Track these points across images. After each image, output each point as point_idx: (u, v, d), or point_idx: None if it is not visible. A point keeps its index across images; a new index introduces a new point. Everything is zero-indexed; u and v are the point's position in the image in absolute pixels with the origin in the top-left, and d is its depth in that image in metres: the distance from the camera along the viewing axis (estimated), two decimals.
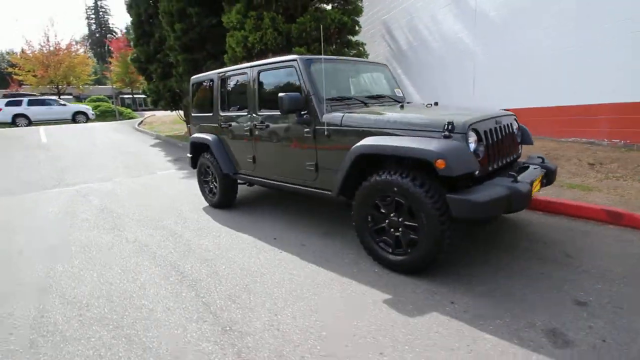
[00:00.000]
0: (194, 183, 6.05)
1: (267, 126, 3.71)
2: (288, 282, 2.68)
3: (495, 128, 2.77)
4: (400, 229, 2.61)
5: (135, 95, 39.54)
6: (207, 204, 4.89)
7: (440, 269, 2.68)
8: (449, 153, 2.26)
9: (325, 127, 3.09)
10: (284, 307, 2.35)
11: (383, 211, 2.71)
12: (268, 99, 3.74)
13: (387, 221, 2.69)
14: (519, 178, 2.57)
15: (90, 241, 3.75)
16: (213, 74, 4.55)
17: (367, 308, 2.28)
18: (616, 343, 1.84)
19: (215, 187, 4.69)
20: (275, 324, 2.17)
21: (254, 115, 3.87)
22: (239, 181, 4.50)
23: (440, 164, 2.25)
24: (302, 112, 3.24)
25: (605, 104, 5.67)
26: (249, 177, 4.20)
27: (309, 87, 3.23)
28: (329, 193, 3.22)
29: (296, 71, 3.35)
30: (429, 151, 2.30)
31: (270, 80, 3.75)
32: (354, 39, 10.00)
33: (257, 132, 3.86)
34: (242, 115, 4.07)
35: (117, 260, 3.27)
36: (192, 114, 5.09)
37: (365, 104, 3.51)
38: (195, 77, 5.05)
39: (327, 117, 3.11)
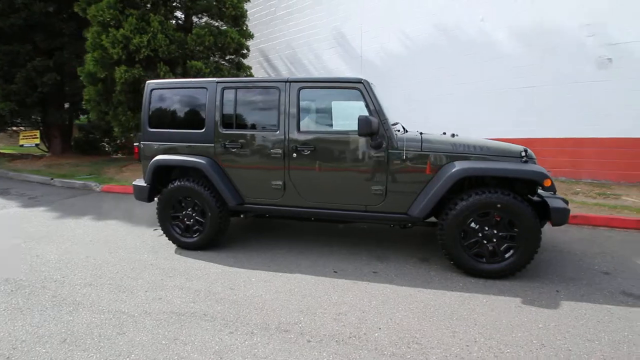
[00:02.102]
0: (83, 222, 4.43)
1: (314, 149, 3.36)
2: (433, 314, 2.59)
3: None
4: (494, 240, 3.01)
5: None
6: (168, 247, 3.78)
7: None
8: (548, 174, 2.89)
9: (405, 151, 3.18)
10: (485, 338, 2.30)
11: (474, 226, 3.05)
12: (312, 119, 3.41)
13: (480, 235, 3.04)
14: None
15: None
16: (206, 82, 3.67)
17: (513, 310, 2.54)
18: None
19: (199, 222, 3.69)
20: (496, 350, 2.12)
21: (290, 136, 3.40)
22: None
23: (547, 182, 2.84)
24: (376, 136, 3.19)
25: None
26: (269, 208, 3.58)
27: (379, 110, 3.24)
28: (398, 215, 3.28)
29: (362, 94, 3.28)
30: (540, 173, 2.86)
31: (314, 98, 3.45)
32: (244, 61, 9.84)
33: (294, 155, 3.41)
34: (266, 136, 3.49)
35: None
36: (149, 129, 3.84)
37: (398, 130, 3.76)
38: (156, 82, 3.87)
39: (403, 141, 3.20)
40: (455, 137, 3.42)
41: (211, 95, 3.61)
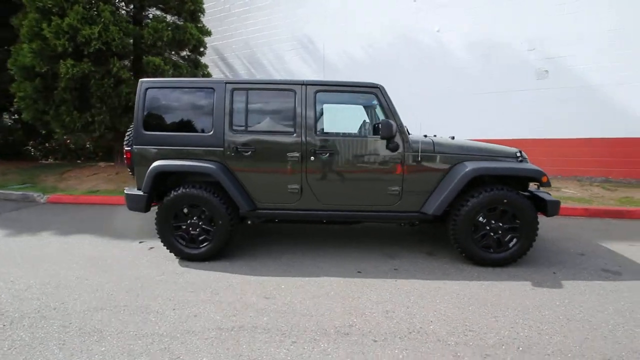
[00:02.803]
0: (48, 239, 3.95)
1: (332, 152, 3.39)
2: (469, 303, 2.79)
3: None
4: (500, 232, 3.36)
5: None
6: (167, 260, 3.52)
7: None
8: (544, 172, 3.31)
9: (420, 153, 3.37)
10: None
11: (482, 220, 3.36)
12: (328, 122, 3.43)
13: (488, 228, 3.36)
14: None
15: None
16: (212, 82, 3.47)
17: (530, 293, 2.88)
18: None
19: (206, 231, 3.48)
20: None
21: (308, 139, 3.38)
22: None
23: (544, 179, 3.25)
24: (393, 139, 3.34)
25: None
26: (284, 212, 3.52)
27: (395, 114, 3.39)
28: (412, 214, 3.47)
29: (378, 99, 3.39)
30: (538, 171, 3.26)
31: (329, 101, 3.46)
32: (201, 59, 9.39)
33: (312, 158, 3.40)
34: (281, 139, 3.42)
35: None
36: (144, 132, 3.50)
37: None
38: (152, 81, 3.56)
39: (418, 143, 3.40)
40: (456, 140, 3.72)
41: (219, 96, 3.42)
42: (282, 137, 3.44)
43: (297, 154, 3.40)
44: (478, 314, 2.56)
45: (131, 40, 7.26)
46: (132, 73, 7.33)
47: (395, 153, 3.39)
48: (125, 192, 3.61)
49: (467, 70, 7.80)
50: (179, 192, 3.41)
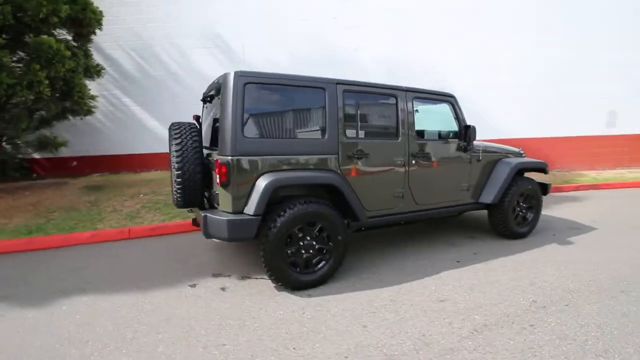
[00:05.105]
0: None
1: (426, 155, 3.61)
2: (558, 271, 3.58)
3: None
4: (523, 211, 4.39)
5: None
6: (274, 291, 2.99)
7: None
8: None
9: (480, 153, 4.03)
10: None
11: (516, 205, 4.31)
12: (420, 127, 3.62)
13: (519, 209, 4.33)
14: None
15: None
16: (322, 81, 3.07)
17: (543, 263, 3.97)
18: None
19: (320, 251, 3.07)
20: None
21: (410, 144, 3.47)
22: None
23: (548, 169, 4.48)
24: (464, 141, 3.86)
25: None
26: (388, 218, 3.48)
27: (463, 120, 3.91)
28: (473, 204, 4.11)
29: (452, 106, 3.83)
30: (546, 164, 4.44)
31: (419, 107, 3.63)
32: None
33: (413, 162, 3.51)
34: (389, 144, 3.38)
35: None
36: (246, 138, 2.75)
37: None
38: (253, 75, 2.85)
39: (478, 145, 4.04)
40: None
41: (331, 97, 3.07)
42: (389, 142, 3.41)
43: (403, 159, 3.46)
44: (566, 278, 3.39)
45: (10, 10, 4.95)
46: (13, 56, 5.00)
47: (467, 153, 3.93)
48: (218, 218, 2.70)
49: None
50: (296, 209, 2.85)
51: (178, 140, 2.99)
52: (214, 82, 3.31)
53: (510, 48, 9.40)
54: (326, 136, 3.06)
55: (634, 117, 9.99)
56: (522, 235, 4.38)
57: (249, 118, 2.80)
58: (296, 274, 2.94)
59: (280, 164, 2.88)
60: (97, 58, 8.69)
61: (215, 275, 3.36)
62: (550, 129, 9.77)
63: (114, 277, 3.37)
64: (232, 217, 2.71)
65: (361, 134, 3.31)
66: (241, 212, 2.77)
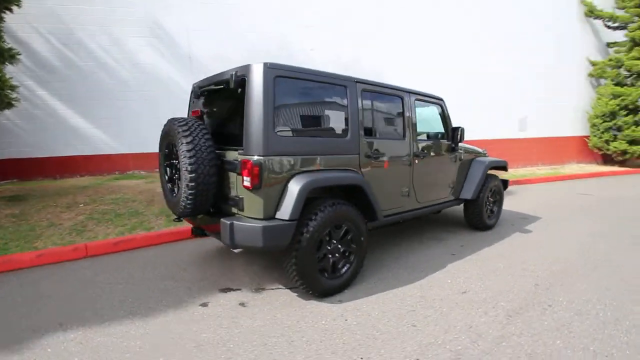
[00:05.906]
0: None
1: (426, 154, 3.76)
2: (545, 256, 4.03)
3: None
4: (492, 204, 4.88)
5: None
6: (303, 299, 2.84)
7: None
8: None
9: (463, 153, 4.36)
10: None
11: (487, 199, 4.77)
12: (419, 127, 3.75)
13: (489, 203, 4.80)
14: None
15: None
16: (343, 78, 2.96)
17: (536, 244, 4.55)
18: None
19: (347, 255, 2.99)
20: None
21: (413, 143, 3.58)
22: None
23: (508, 167, 5.04)
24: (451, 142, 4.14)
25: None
26: (395, 216, 3.53)
27: (450, 121, 4.18)
28: (454, 201, 4.43)
29: (442, 109, 4.06)
30: (506, 162, 4.98)
31: (417, 109, 3.76)
32: None
33: (416, 162, 3.63)
34: (398, 144, 3.43)
35: None
36: (278, 136, 2.52)
37: None
38: (281, 67, 2.63)
39: (460, 146, 4.35)
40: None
41: (352, 96, 3.00)
42: (398, 142, 3.47)
43: (409, 158, 3.55)
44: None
45: None
46: None
47: (453, 153, 4.21)
48: (247, 224, 2.42)
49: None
50: (326, 212, 2.71)
51: (189, 139, 2.59)
52: (220, 73, 2.97)
53: (441, 56, 10.35)
54: (348, 135, 2.98)
55: (539, 123, 11.88)
56: (490, 227, 4.86)
57: (279, 115, 2.57)
58: (324, 279, 2.80)
59: (309, 164, 2.71)
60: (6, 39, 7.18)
61: (224, 290, 3.01)
62: (474, 131, 11.10)
63: (94, 304, 2.78)
64: (266, 223, 2.45)
65: (376, 133, 3.30)
66: (272, 218, 2.53)
